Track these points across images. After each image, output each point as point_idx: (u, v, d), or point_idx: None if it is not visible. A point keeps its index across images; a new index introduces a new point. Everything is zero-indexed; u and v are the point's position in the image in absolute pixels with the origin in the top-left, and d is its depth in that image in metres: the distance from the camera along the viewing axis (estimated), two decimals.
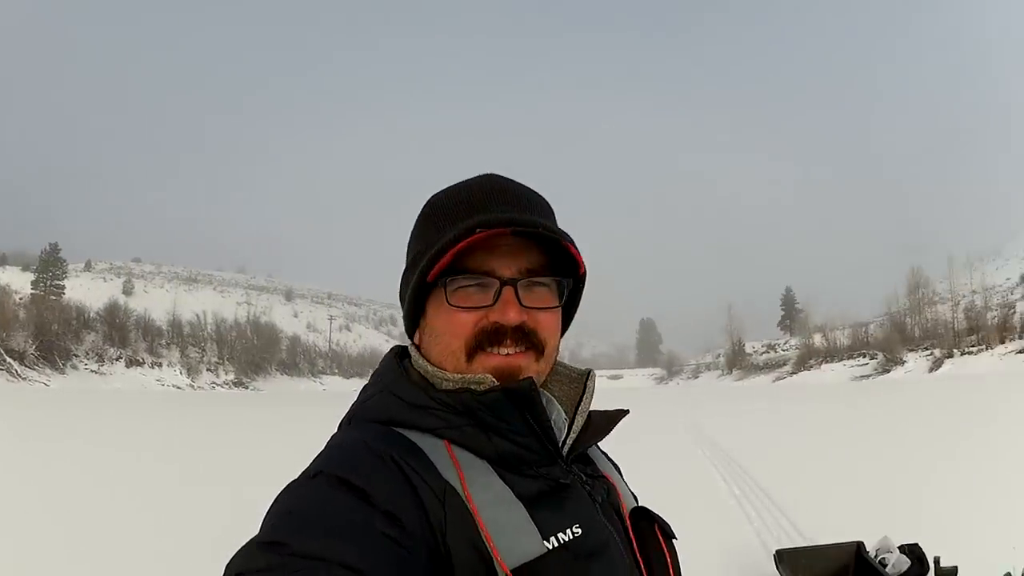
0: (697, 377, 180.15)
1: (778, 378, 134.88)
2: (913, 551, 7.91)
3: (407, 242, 1.62)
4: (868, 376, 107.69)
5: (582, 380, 1.63)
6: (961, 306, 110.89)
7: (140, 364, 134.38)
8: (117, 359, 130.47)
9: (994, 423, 23.94)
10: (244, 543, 1.18)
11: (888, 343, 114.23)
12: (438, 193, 1.58)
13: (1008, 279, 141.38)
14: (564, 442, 1.52)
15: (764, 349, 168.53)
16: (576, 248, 1.48)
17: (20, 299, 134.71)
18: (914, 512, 11.04)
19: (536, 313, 1.47)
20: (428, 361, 1.51)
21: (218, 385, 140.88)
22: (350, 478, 1.25)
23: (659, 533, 1.58)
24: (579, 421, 1.55)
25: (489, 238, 1.40)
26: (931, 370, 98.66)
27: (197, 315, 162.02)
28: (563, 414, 1.55)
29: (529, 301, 1.45)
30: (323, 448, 1.42)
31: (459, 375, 1.44)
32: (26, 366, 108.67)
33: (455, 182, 1.59)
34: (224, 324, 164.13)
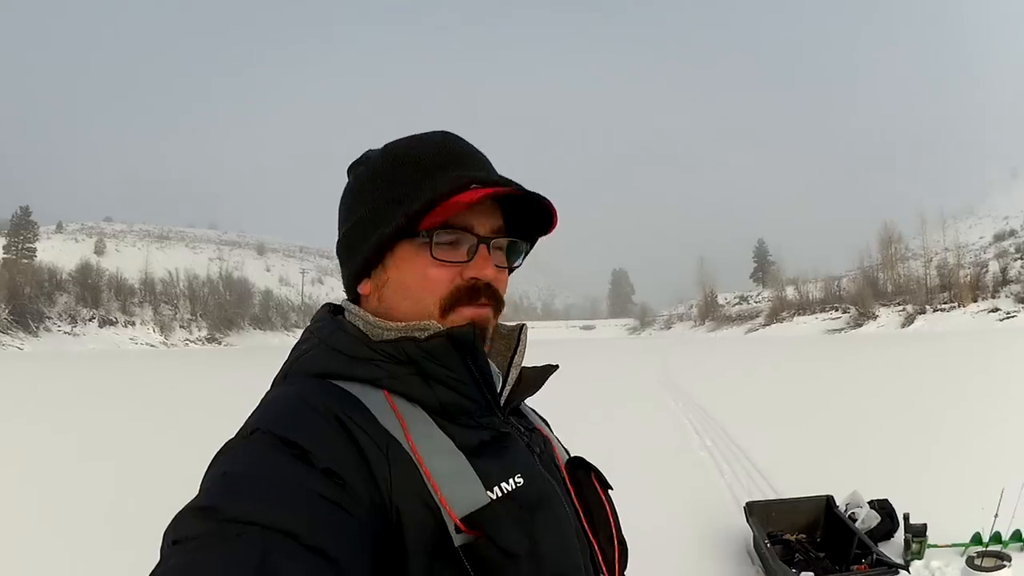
0: (670, 328, 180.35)
1: (750, 330, 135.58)
2: (883, 507, 7.99)
3: (358, 188, 1.53)
4: (841, 330, 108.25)
5: (515, 335, 1.61)
6: (934, 263, 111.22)
7: (113, 324, 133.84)
8: (90, 320, 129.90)
9: (966, 382, 23.93)
10: (181, 508, 1.13)
11: (860, 297, 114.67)
12: (405, 141, 1.54)
13: (981, 238, 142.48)
14: (500, 395, 1.51)
15: (736, 300, 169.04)
16: (556, 213, 1.52)
17: None
18: (884, 468, 11.08)
19: (500, 272, 1.48)
20: (382, 316, 1.47)
21: (191, 342, 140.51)
22: (287, 435, 1.20)
23: (596, 482, 1.60)
24: (513, 375, 1.54)
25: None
26: (903, 326, 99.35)
27: (169, 272, 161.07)
28: (496, 368, 1.51)
29: (495, 260, 1.47)
30: (258, 404, 1.36)
31: (402, 324, 1.42)
32: None
33: (419, 133, 1.56)
34: (196, 280, 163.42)
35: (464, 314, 1.43)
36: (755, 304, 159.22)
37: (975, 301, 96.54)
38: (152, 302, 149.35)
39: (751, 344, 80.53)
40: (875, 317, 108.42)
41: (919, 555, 7.15)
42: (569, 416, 20.25)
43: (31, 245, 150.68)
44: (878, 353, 45.60)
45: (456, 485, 1.28)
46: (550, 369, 1.64)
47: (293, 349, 1.52)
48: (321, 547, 1.06)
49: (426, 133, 1.55)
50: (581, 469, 1.61)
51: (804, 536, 7.67)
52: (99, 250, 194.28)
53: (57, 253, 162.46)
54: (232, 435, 1.26)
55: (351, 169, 1.58)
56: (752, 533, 7.64)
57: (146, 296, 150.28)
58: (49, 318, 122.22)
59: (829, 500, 7.88)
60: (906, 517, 7.39)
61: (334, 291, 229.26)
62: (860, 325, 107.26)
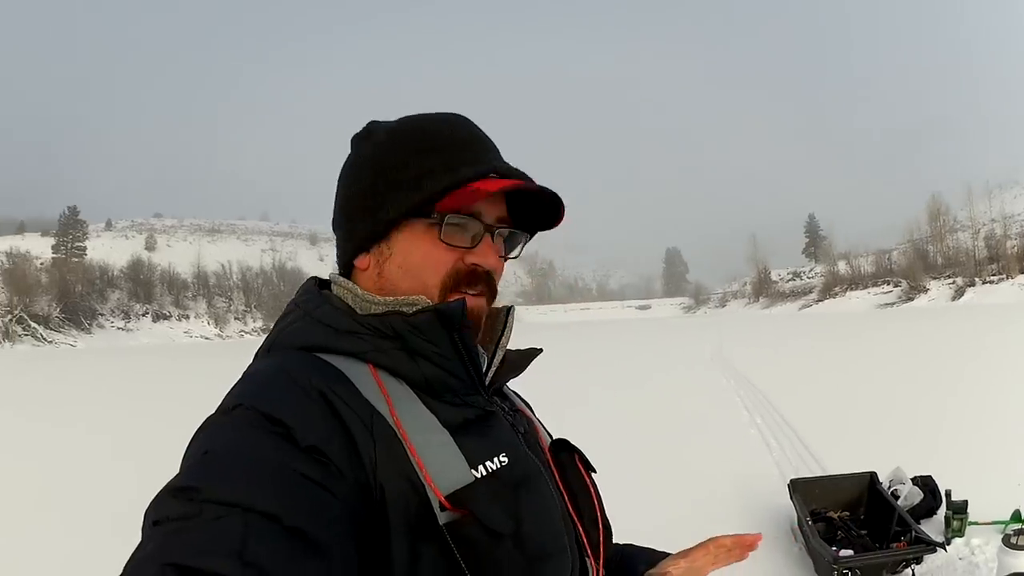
0: (724, 306, 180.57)
1: (804, 306, 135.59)
2: (926, 483, 7.97)
3: (368, 160, 1.50)
4: (892, 304, 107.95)
5: (502, 316, 1.58)
6: (981, 234, 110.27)
7: (167, 318, 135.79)
8: (143, 315, 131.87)
9: (1012, 357, 23.60)
10: (162, 486, 1.10)
11: (911, 271, 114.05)
12: (419, 119, 1.52)
13: None
14: (486, 375, 1.49)
15: (790, 277, 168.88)
16: (563, 210, 1.51)
17: (41, 264, 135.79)
18: (930, 444, 11.02)
19: (500, 261, 1.49)
20: (381, 291, 1.44)
21: (247, 333, 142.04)
22: (270, 412, 1.17)
23: (580, 465, 1.59)
24: (499, 356, 1.53)
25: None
26: (954, 298, 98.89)
27: (222, 265, 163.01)
28: (481, 349, 1.51)
29: (497, 249, 1.47)
30: (240, 378, 1.33)
31: (391, 298, 1.40)
32: (51, 329, 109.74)
33: (431, 112, 1.54)
34: (250, 272, 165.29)
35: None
36: (808, 280, 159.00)
37: (1023, 272, 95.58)
38: (206, 295, 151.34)
39: (804, 320, 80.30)
40: (926, 290, 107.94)
41: (959, 533, 7.12)
42: (624, 393, 20.55)
43: (80, 244, 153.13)
44: (927, 327, 45.16)
45: (441, 462, 1.25)
46: (534, 352, 1.62)
47: (278, 321, 1.49)
48: (303, 529, 1.04)
49: (439, 113, 1.53)
50: (565, 451, 1.59)
51: (847, 514, 7.64)
52: (150, 246, 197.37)
53: (107, 251, 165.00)
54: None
55: (356, 140, 1.56)
56: (795, 511, 7.63)
57: (199, 289, 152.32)
58: (102, 314, 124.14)
59: (872, 477, 7.83)
60: (948, 494, 7.38)
61: None
62: (911, 299, 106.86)
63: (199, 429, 1.22)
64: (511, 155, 1.39)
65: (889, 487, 7.85)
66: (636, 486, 9.46)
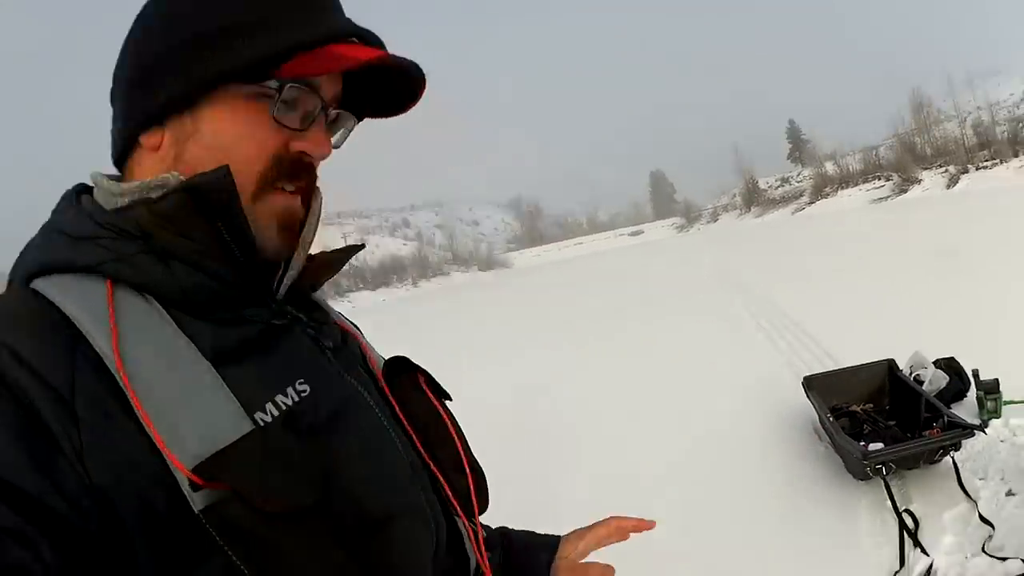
0: (717, 220, 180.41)
1: (797, 210, 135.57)
2: (950, 365, 7.62)
3: (174, 7, 1.07)
4: (886, 198, 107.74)
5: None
6: (968, 122, 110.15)
7: None
8: None
9: (1013, 233, 23.21)
10: None
11: (900, 164, 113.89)
12: None
13: (1012, 95, 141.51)
14: (280, 281, 1.14)
15: (778, 183, 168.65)
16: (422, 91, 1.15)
17: None
18: (945, 327, 10.45)
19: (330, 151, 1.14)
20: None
21: None
22: None
23: (426, 387, 1.28)
24: (300, 255, 1.15)
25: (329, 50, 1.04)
26: (948, 187, 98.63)
27: None
28: (272, 242, 1.11)
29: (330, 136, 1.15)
30: None
31: (136, 183, 1.05)
32: None
33: None
34: None
35: (277, 203, 1.08)
36: (797, 184, 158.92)
37: (1016, 156, 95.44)
38: None
39: (799, 223, 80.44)
40: (919, 181, 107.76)
41: (996, 413, 6.76)
42: (620, 316, 20.23)
43: None
44: (925, 216, 45.01)
45: (191, 416, 0.91)
46: (354, 249, 1.29)
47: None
48: None
49: None
50: (404, 372, 1.28)
51: (871, 405, 7.33)
52: None
53: None
54: None
55: None
56: (815, 409, 7.29)
57: None
58: None
59: (891, 364, 7.51)
60: (975, 373, 7.08)
61: (379, 248, 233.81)
62: (905, 191, 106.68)
63: None
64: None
65: (910, 373, 7.52)
66: (650, 416, 9.29)
